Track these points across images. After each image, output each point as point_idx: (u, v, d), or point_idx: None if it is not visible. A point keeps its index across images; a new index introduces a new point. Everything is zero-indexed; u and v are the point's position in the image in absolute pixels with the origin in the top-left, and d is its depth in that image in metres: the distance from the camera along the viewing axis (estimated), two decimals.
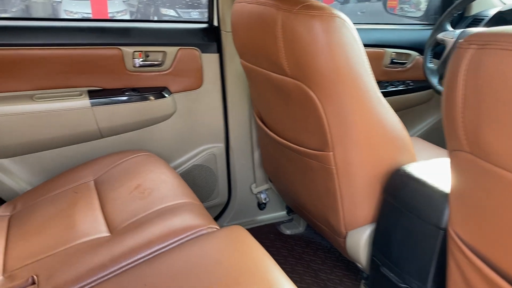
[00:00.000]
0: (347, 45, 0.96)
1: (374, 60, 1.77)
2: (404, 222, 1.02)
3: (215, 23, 1.56)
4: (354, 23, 0.99)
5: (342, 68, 0.96)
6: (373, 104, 1.02)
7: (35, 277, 0.90)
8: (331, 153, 1.07)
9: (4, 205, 1.25)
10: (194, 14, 7.36)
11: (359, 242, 1.15)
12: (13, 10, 7.05)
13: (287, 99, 1.12)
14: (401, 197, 1.02)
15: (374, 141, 1.05)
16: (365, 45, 1.08)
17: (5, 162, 1.36)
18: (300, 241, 1.73)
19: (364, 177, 1.08)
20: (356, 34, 0.97)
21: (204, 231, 0.97)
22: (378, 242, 1.12)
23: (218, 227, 0.99)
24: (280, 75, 1.07)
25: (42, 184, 1.33)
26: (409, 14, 2.03)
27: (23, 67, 1.30)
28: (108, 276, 0.87)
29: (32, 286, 0.88)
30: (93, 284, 0.87)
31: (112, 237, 1.00)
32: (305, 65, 0.97)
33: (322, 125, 1.04)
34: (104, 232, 1.04)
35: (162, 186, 1.17)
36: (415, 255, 0.99)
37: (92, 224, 1.06)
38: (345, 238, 1.19)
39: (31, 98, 1.33)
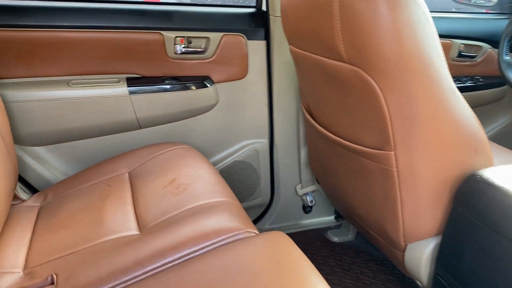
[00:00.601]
0: (418, 25, 0.81)
1: None
2: (478, 237, 0.86)
3: (263, 8, 1.44)
4: None
5: (410, 52, 0.82)
6: (446, 97, 0.87)
7: (54, 276, 0.82)
8: (392, 152, 0.92)
9: (35, 195, 1.20)
10: None
11: (421, 257, 1.00)
12: None
13: (341, 89, 0.99)
14: (476, 207, 0.86)
15: (445, 140, 0.89)
16: None
17: (40, 150, 1.31)
18: (349, 250, 1.58)
19: (431, 182, 0.92)
20: (428, 13, 0.82)
21: (241, 236, 0.84)
22: (444, 258, 0.96)
23: (257, 232, 0.87)
24: (335, 60, 0.94)
25: (75, 174, 1.28)
26: (480, 3, 1.82)
27: (59, 50, 1.24)
28: (131, 282, 0.77)
29: (51, 286, 0.80)
30: None
31: (140, 236, 0.91)
32: (365, 48, 0.83)
33: (383, 119, 0.89)
34: (133, 230, 0.94)
35: (198, 182, 1.06)
36: (491, 277, 0.83)
37: (121, 220, 0.98)
38: (403, 251, 1.04)
39: (67, 83, 1.26)
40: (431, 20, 0.84)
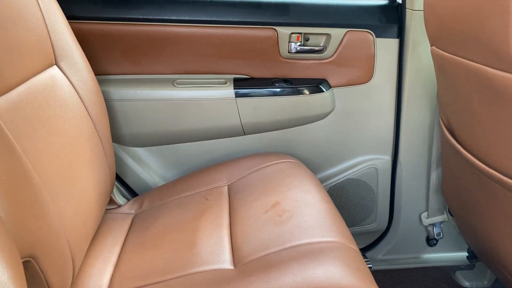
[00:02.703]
0: None
1: None
2: None
3: (398, 0, 1.20)
4: None
5: None
6: None
7: None
8: None
9: (131, 201, 1.13)
10: None
11: None
12: None
13: (506, 108, 0.75)
14: None
15: None
16: None
17: (141, 152, 1.24)
18: None
19: None
20: None
21: None
22: None
23: None
24: (503, 71, 0.70)
25: (174, 181, 1.19)
26: None
27: (166, 46, 1.15)
28: None
29: None
30: None
31: (234, 274, 0.77)
32: None
33: None
34: (226, 263, 0.81)
35: (306, 211, 0.88)
36: None
37: (214, 248, 0.85)
38: None
39: (172, 83, 1.17)
40: None
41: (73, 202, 0.81)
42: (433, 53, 0.97)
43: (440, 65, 0.96)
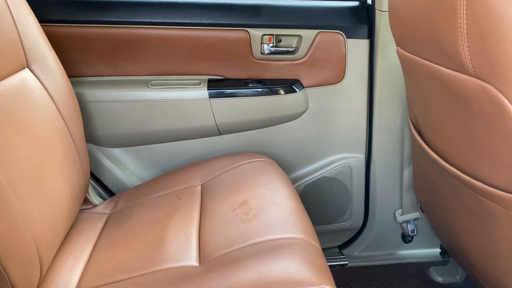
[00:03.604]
0: None
1: None
2: None
3: (369, 1, 1.22)
4: None
5: None
6: None
7: None
8: None
9: (107, 201, 1.15)
10: None
11: None
12: None
13: (463, 109, 0.77)
14: None
15: None
16: None
17: (118, 152, 1.27)
18: None
19: None
20: None
21: None
22: None
23: None
24: (456, 71, 0.72)
25: (149, 181, 1.22)
26: None
27: (141, 48, 1.17)
28: None
29: None
30: None
31: (198, 271, 0.79)
32: (500, 58, 0.61)
33: None
34: (192, 260, 0.84)
35: (272, 208, 0.91)
36: None
37: (182, 246, 0.88)
38: None
39: (146, 84, 1.19)
40: None
41: (42, 202, 0.83)
42: (398, 54, 0.99)
43: (404, 65, 0.98)
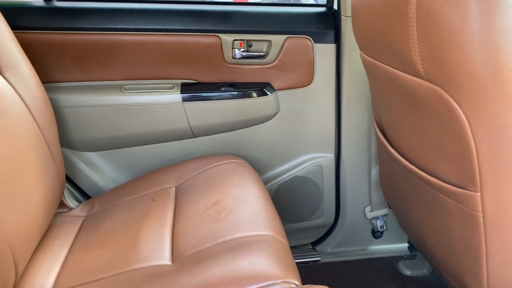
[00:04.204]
0: None
1: None
2: None
3: (335, 6, 1.27)
4: None
5: (508, 69, 0.62)
6: None
7: None
8: (478, 194, 0.74)
9: (82, 204, 1.17)
10: None
11: None
12: None
13: (417, 109, 0.82)
14: None
15: None
16: None
17: (93, 156, 1.28)
18: None
19: None
20: None
21: (278, 287, 0.71)
22: None
23: (298, 284, 0.72)
24: (409, 75, 0.77)
25: (125, 184, 1.23)
26: None
27: (114, 54, 1.19)
28: None
29: None
30: None
31: (171, 270, 0.82)
32: (448, 63, 0.66)
33: (468, 152, 0.71)
34: (165, 259, 0.86)
35: (243, 207, 0.94)
36: None
37: (155, 246, 0.90)
38: None
39: (120, 89, 1.21)
40: None
41: (17, 206, 0.84)
42: (361, 58, 1.03)
43: (367, 69, 1.03)
